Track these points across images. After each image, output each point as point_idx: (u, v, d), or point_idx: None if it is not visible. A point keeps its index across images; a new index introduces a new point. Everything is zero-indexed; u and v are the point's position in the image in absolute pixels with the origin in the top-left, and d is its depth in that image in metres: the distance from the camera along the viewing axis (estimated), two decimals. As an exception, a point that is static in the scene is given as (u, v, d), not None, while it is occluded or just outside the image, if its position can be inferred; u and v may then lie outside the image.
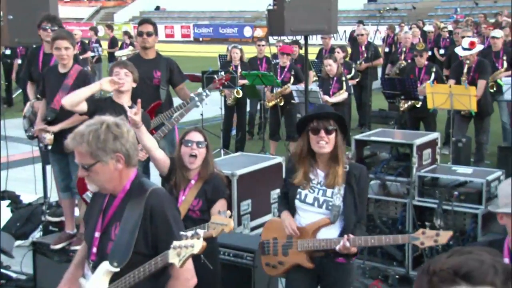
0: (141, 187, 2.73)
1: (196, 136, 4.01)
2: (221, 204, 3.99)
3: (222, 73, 6.25)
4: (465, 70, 8.12)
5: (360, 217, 3.62)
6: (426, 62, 8.89)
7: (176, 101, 6.29)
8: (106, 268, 2.69)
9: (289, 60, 9.93)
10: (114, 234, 2.70)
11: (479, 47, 7.79)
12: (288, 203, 3.73)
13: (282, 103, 9.57)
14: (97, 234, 2.77)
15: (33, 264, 5.43)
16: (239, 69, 10.19)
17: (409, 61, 10.80)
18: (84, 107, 4.81)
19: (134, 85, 4.96)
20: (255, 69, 10.40)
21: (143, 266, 2.58)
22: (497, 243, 2.75)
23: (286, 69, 9.88)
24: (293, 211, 3.70)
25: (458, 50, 7.90)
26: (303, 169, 3.60)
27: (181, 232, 2.50)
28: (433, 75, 8.64)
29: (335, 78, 9.04)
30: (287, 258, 3.69)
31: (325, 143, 3.52)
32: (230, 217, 3.57)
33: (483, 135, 8.11)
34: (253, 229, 6.05)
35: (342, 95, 8.92)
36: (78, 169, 2.71)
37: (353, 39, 14.28)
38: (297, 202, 3.65)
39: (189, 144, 3.98)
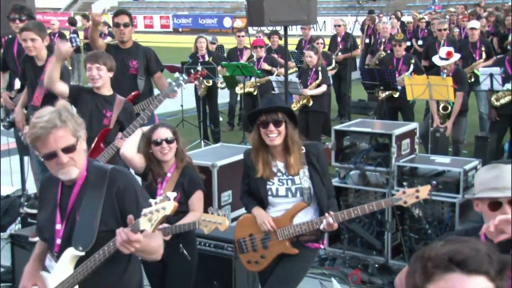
0: (100, 169, 2.73)
1: (164, 133, 3.95)
2: (198, 195, 3.99)
3: (199, 68, 6.23)
4: (445, 76, 8.18)
5: (329, 192, 3.71)
6: (404, 53, 8.96)
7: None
8: (71, 253, 2.67)
9: (263, 51, 9.98)
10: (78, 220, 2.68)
11: (456, 57, 7.88)
12: (255, 199, 3.77)
13: (255, 93, 9.59)
14: (58, 226, 2.73)
15: (12, 257, 5.38)
16: (206, 59, 10.18)
17: (388, 51, 10.86)
18: (63, 88, 4.77)
19: (111, 74, 4.90)
20: (235, 60, 10.40)
21: (112, 241, 2.55)
22: (474, 231, 2.79)
23: (262, 60, 9.91)
24: (263, 206, 3.75)
25: (436, 60, 7.96)
26: (261, 161, 3.65)
27: (150, 200, 2.47)
28: (411, 67, 8.71)
29: (313, 69, 9.06)
30: (269, 250, 3.73)
31: (275, 135, 3.57)
32: (224, 215, 3.57)
33: (460, 134, 8.19)
34: (233, 220, 6.04)
35: (321, 88, 8.92)
36: (58, 159, 2.61)
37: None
38: (270, 199, 3.69)
39: (159, 142, 3.93)
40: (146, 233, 2.48)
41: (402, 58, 8.89)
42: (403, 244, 5.49)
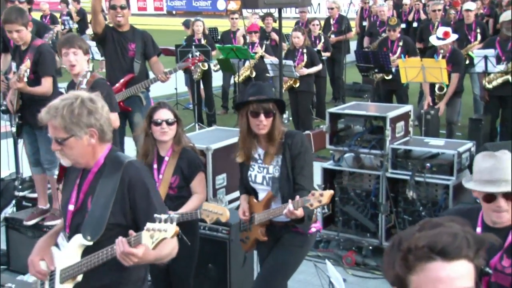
0: (116, 160, 2.73)
1: (165, 114, 3.93)
2: (200, 178, 3.99)
3: (197, 53, 6.23)
4: (439, 59, 8.18)
5: (298, 183, 3.59)
6: (399, 35, 8.95)
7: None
8: (79, 241, 2.69)
9: (257, 37, 9.96)
10: (89, 207, 2.71)
11: (453, 37, 7.86)
12: (244, 186, 3.84)
13: (253, 75, 9.57)
14: (70, 207, 2.77)
15: (6, 240, 5.39)
16: (203, 42, 10.14)
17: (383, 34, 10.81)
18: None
19: (87, 57, 4.87)
20: (228, 43, 10.36)
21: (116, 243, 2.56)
22: (467, 212, 2.81)
23: (256, 44, 9.89)
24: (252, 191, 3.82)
25: (432, 40, 7.95)
26: (244, 147, 3.68)
27: (156, 215, 2.48)
28: (399, 49, 8.71)
29: (300, 50, 9.04)
30: (251, 232, 3.82)
31: (264, 125, 3.57)
32: (225, 206, 3.60)
33: (454, 115, 8.21)
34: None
35: (317, 67, 8.94)
36: (52, 143, 2.68)
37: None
38: (251, 184, 3.76)
39: (159, 123, 3.92)
40: (147, 247, 2.47)
41: (397, 41, 8.89)
42: (397, 226, 5.52)
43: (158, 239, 2.42)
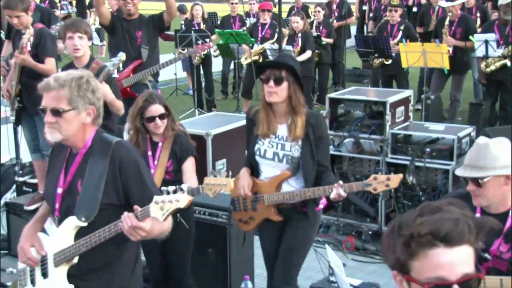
0: (104, 140, 2.75)
1: (157, 110, 3.89)
2: (191, 162, 3.97)
3: (207, 39, 6.22)
4: (446, 22, 8.17)
5: (323, 165, 3.59)
6: (399, 19, 8.89)
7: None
8: (72, 223, 2.69)
9: (269, 17, 9.86)
10: (79, 189, 2.71)
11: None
12: (248, 160, 3.76)
13: (261, 60, 9.49)
14: (59, 190, 2.77)
15: (7, 225, 5.40)
16: (202, 26, 10.08)
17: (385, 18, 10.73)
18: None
19: (90, 43, 4.88)
20: (228, 28, 10.30)
21: (120, 221, 2.57)
22: (467, 196, 2.83)
23: (267, 26, 9.80)
24: (256, 167, 3.72)
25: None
26: (262, 118, 3.59)
27: (163, 188, 2.53)
28: (400, 33, 8.67)
29: (299, 35, 8.98)
30: (257, 213, 3.73)
31: (273, 92, 3.48)
32: (227, 176, 3.55)
33: (457, 92, 8.22)
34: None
35: (305, 54, 8.87)
36: (45, 115, 2.65)
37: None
38: (257, 158, 3.67)
39: (152, 119, 3.88)
40: (154, 219, 2.51)
41: (397, 25, 8.82)
42: (396, 211, 5.53)
43: (170, 210, 2.48)
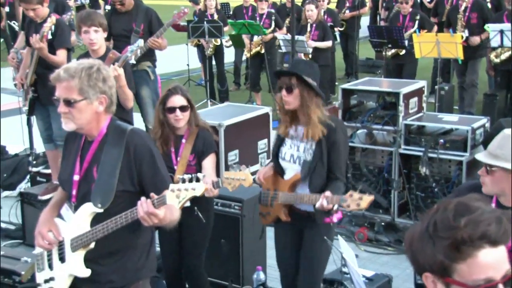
0: (119, 128, 2.79)
1: (178, 101, 3.88)
2: (212, 159, 3.97)
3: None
4: (461, 9, 8.10)
5: (333, 173, 3.55)
6: (411, 9, 8.81)
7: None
8: (89, 209, 2.73)
9: (267, 6, 9.82)
10: (95, 176, 2.75)
11: None
12: (272, 157, 3.81)
13: (263, 51, 9.48)
14: (75, 177, 2.81)
15: (22, 214, 5.45)
16: (215, 17, 10.06)
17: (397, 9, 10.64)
18: None
19: (105, 35, 4.89)
20: (240, 18, 10.27)
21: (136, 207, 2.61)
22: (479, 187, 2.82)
23: (264, 16, 9.77)
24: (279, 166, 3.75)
25: None
26: (284, 121, 3.64)
27: (179, 176, 2.58)
28: (417, 23, 8.59)
29: (314, 25, 8.93)
30: (273, 209, 3.76)
31: (287, 100, 3.51)
32: (247, 171, 3.54)
33: (474, 76, 8.18)
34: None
35: (326, 42, 8.84)
36: (59, 106, 2.69)
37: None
38: (280, 161, 3.70)
39: (173, 109, 3.88)
40: (169, 206, 2.56)
41: (409, 15, 8.75)
42: (409, 202, 5.51)
43: (186, 198, 2.52)
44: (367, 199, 3.28)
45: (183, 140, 3.93)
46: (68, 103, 2.67)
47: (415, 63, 8.68)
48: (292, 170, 3.65)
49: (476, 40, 8.15)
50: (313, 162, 3.53)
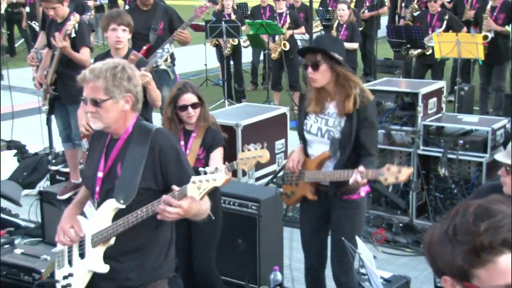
0: (144, 128, 2.83)
1: (190, 99, 3.90)
2: (220, 151, 3.99)
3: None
4: (488, 7, 8.01)
5: (365, 148, 3.51)
6: (439, 9, 8.68)
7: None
8: (112, 205, 2.77)
9: (285, 5, 9.79)
10: (119, 173, 2.79)
11: None
12: (299, 136, 3.75)
13: (286, 48, 9.43)
14: (100, 174, 2.85)
15: (41, 213, 5.50)
16: (232, 17, 10.05)
17: (423, 8, 10.54)
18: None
19: (130, 36, 4.91)
20: (258, 18, 10.26)
21: (157, 201, 2.64)
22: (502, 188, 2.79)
23: (284, 15, 9.73)
24: (305, 143, 3.71)
25: None
26: (313, 97, 3.58)
27: (200, 168, 2.62)
28: (445, 23, 8.46)
29: (344, 25, 8.87)
30: (298, 188, 3.72)
31: (314, 78, 3.46)
32: (262, 148, 3.48)
33: (501, 81, 8.09)
34: (257, 179, 6.08)
35: (352, 44, 8.77)
36: (87, 106, 2.74)
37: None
38: (305, 134, 3.66)
39: (185, 109, 3.91)
40: (192, 199, 2.59)
41: (437, 14, 8.61)
42: (428, 203, 5.47)
43: (206, 189, 2.56)
44: (406, 171, 3.21)
45: (193, 134, 3.97)
46: (95, 103, 2.71)
47: (443, 63, 8.58)
48: (318, 144, 3.60)
49: (492, 25, 7.97)
50: (342, 139, 3.49)
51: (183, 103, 3.90)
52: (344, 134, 3.49)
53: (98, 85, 2.70)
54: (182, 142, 3.96)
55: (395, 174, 3.22)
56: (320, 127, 3.58)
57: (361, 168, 3.30)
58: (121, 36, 4.74)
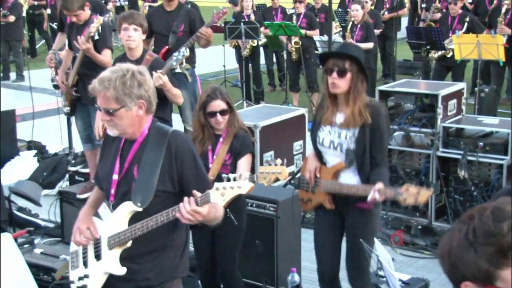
0: (160, 130, 2.82)
1: (218, 106, 3.88)
2: (247, 159, 3.96)
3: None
4: (503, 11, 7.93)
5: (374, 157, 3.50)
6: (460, 11, 8.60)
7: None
8: (129, 207, 2.76)
9: (303, 6, 9.76)
10: (136, 175, 2.78)
11: None
12: (313, 145, 3.75)
13: (298, 46, 9.40)
14: (115, 177, 2.85)
15: (60, 213, 5.55)
16: (252, 18, 10.05)
17: (443, 10, 10.46)
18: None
19: (143, 37, 4.91)
20: (269, 20, 10.25)
21: (178, 206, 2.63)
22: None
23: (302, 16, 9.71)
24: (319, 154, 3.71)
25: None
26: (325, 106, 3.57)
27: (224, 175, 2.62)
28: (465, 25, 8.38)
29: (359, 26, 8.85)
30: (315, 196, 3.72)
31: (337, 84, 3.43)
32: (282, 164, 3.53)
33: None
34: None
35: (367, 44, 8.74)
36: (102, 114, 2.75)
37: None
38: (318, 146, 3.66)
39: (214, 116, 3.89)
40: (214, 204, 2.60)
41: (458, 17, 8.53)
42: (447, 206, 5.42)
43: (231, 196, 2.56)
44: (426, 193, 3.18)
45: (221, 139, 3.95)
46: (108, 112, 2.71)
47: (463, 65, 8.50)
48: (332, 157, 3.60)
49: (505, 29, 7.89)
50: (358, 150, 3.48)
51: (212, 110, 3.88)
52: (359, 145, 3.47)
53: (109, 95, 2.68)
54: (210, 147, 3.94)
55: (415, 195, 3.20)
56: (333, 140, 3.57)
57: (379, 185, 3.29)
58: (132, 35, 4.76)
